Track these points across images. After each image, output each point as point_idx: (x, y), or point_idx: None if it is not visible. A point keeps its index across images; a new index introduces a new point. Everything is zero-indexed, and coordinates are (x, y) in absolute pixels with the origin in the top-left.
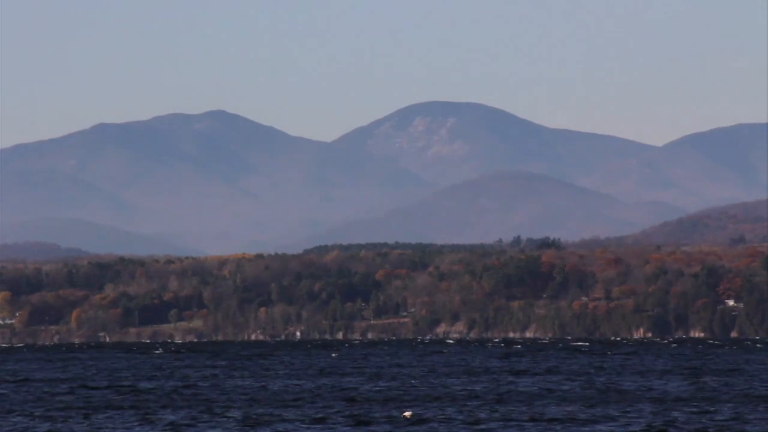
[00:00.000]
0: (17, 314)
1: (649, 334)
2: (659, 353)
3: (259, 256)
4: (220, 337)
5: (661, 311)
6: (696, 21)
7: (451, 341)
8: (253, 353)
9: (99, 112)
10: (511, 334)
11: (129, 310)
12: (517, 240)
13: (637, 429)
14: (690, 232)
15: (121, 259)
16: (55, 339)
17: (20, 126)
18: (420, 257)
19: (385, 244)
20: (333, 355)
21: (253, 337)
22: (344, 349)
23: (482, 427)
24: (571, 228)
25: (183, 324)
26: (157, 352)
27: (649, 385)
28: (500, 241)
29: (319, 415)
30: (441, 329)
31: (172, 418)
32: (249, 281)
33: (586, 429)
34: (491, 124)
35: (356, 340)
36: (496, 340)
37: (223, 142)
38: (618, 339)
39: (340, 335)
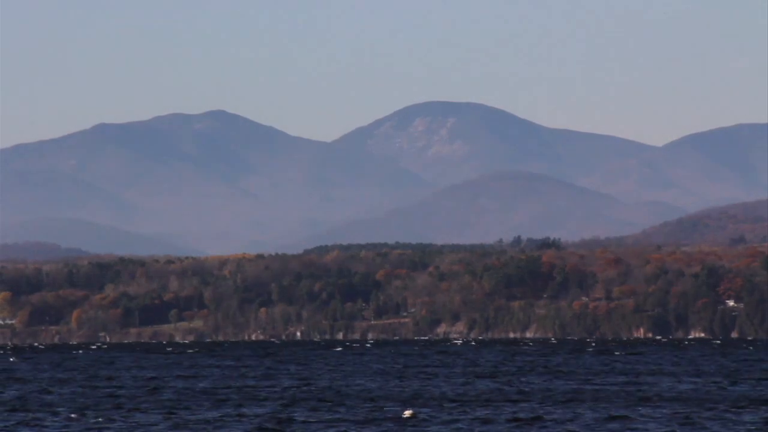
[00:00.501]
0: (17, 314)
1: (650, 334)
2: (664, 352)
3: (260, 256)
4: (220, 337)
5: (661, 311)
6: (696, 21)
7: (459, 341)
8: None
9: (99, 112)
10: (512, 335)
11: (129, 310)
12: (517, 240)
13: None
14: (690, 232)
15: (121, 259)
16: (56, 339)
17: (20, 126)
18: (420, 257)
19: (385, 244)
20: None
21: (253, 337)
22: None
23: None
24: (571, 228)
25: (183, 324)
26: (168, 350)
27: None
28: (500, 241)
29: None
30: (441, 329)
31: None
32: (249, 281)
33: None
34: (491, 124)
35: (358, 340)
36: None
37: (223, 142)
38: (628, 339)
39: (340, 335)
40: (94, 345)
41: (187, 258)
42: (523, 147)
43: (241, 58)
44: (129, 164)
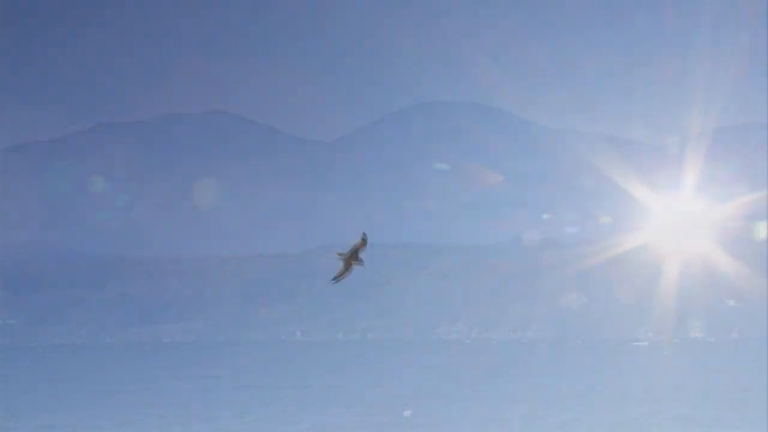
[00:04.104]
0: (17, 314)
1: (650, 334)
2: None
3: (260, 256)
4: (221, 338)
5: (661, 311)
6: (696, 21)
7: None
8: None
9: (99, 112)
10: (512, 335)
11: (129, 310)
12: (517, 240)
13: None
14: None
15: (122, 259)
16: (56, 339)
17: (20, 126)
18: (420, 257)
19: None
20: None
21: (253, 337)
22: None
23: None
24: (571, 228)
25: (183, 324)
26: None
27: None
28: (501, 241)
29: None
30: (441, 329)
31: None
32: (249, 281)
33: None
34: (491, 124)
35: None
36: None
37: (223, 142)
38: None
39: (340, 335)
40: (96, 345)
41: (187, 258)
42: (523, 147)
43: (241, 58)
44: (129, 164)
